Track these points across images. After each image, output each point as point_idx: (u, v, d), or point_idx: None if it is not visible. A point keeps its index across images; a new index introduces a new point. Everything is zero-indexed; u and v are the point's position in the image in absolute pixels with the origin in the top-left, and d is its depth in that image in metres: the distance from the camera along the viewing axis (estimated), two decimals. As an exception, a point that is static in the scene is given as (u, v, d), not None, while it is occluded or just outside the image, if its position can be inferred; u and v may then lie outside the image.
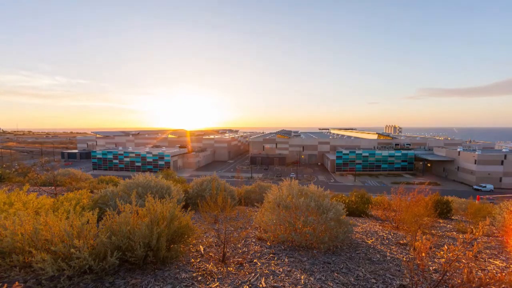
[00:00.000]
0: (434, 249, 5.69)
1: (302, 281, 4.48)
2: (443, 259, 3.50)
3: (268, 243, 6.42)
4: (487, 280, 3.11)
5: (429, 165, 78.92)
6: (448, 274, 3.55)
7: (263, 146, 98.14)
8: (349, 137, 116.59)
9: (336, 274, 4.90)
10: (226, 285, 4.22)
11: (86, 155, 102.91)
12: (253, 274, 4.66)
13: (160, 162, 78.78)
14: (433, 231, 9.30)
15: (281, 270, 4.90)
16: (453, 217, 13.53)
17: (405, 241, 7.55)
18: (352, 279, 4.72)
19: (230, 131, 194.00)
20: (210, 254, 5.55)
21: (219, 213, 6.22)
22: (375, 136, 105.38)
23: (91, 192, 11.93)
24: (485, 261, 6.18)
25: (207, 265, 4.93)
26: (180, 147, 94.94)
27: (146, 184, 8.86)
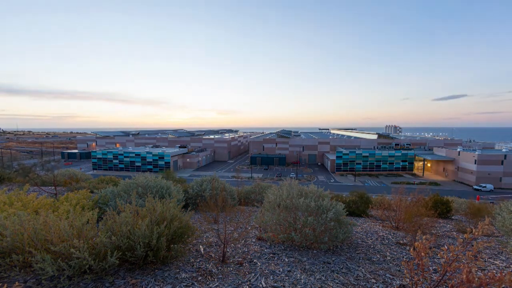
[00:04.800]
0: (434, 249, 5.69)
1: (302, 281, 4.48)
2: (443, 259, 3.49)
3: (268, 243, 6.42)
4: (487, 280, 3.11)
5: (429, 165, 78.86)
6: (448, 274, 3.55)
7: (263, 146, 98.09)
8: (349, 137, 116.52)
9: (336, 274, 4.90)
10: (226, 285, 4.22)
11: (86, 155, 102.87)
12: (253, 274, 4.66)
13: (160, 162, 78.67)
14: (433, 231, 9.30)
15: (281, 270, 4.90)
16: (453, 217, 13.53)
17: (405, 241, 7.55)
18: (352, 279, 4.72)
19: (230, 131, 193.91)
20: (210, 254, 5.55)
21: (219, 213, 6.21)
22: (375, 136, 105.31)
23: (91, 192, 11.94)
24: (485, 261, 6.18)
25: (207, 265, 4.93)
26: (180, 147, 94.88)
27: (146, 184, 8.86)
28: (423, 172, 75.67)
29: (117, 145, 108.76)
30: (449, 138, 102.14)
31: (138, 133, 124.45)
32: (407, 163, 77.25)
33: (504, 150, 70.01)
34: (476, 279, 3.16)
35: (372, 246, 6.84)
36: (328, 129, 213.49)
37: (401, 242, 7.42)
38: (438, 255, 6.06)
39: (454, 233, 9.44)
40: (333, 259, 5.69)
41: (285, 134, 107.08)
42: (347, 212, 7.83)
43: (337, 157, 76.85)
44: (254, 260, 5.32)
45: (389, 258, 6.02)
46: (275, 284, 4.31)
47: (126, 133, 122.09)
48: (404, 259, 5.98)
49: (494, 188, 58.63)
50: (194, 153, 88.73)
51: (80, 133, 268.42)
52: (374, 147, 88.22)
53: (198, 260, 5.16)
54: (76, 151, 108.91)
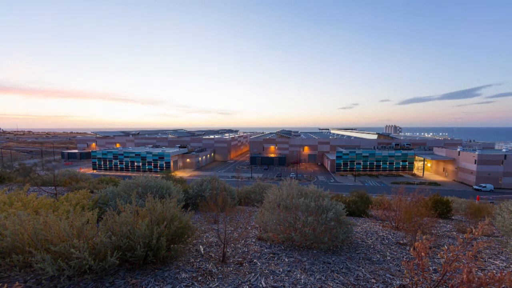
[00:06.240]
0: (434, 249, 5.69)
1: (302, 281, 4.48)
2: (443, 259, 3.49)
3: (268, 243, 6.42)
4: (487, 280, 3.11)
5: (429, 165, 78.87)
6: (448, 274, 3.55)
7: (263, 146, 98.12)
8: (349, 137, 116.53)
9: (336, 274, 4.90)
10: (226, 285, 4.22)
11: (86, 155, 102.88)
12: (253, 274, 4.66)
13: (160, 162, 78.65)
14: (433, 231, 9.30)
15: (281, 270, 4.90)
16: (453, 217, 13.53)
17: (405, 241, 7.55)
18: (352, 279, 4.72)
19: (230, 131, 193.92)
20: (210, 254, 5.55)
21: (219, 213, 6.21)
22: (375, 136, 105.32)
23: (91, 192, 11.94)
24: (485, 261, 6.18)
25: (207, 265, 4.93)
26: (180, 147, 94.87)
27: (146, 184, 8.86)
28: (423, 172, 75.67)
29: (117, 145, 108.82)
30: (449, 138, 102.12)
31: (138, 133, 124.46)
32: (407, 163, 77.28)
33: (504, 150, 70.01)
34: (476, 279, 3.16)
35: (372, 246, 6.84)
36: (328, 129, 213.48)
37: (401, 242, 7.42)
38: (438, 255, 6.05)
39: (454, 233, 9.44)
40: (333, 259, 5.69)
41: (285, 134, 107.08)
42: (347, 212, 7.82)
43: (337, 157, 76.87)
44: (254, 260, 5.32)
45: (389, 258, 6.02)
46: (275, 284, 4.31)
47: (126, 133, 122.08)
48: (404, 259, 5.98)
49: (494, 188, 58.63)
50: (194, 153, 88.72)
51: (80, 133, 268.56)
52: (374, 147, 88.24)
53: (198, 260, 5.17)
54: (76, 151, 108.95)
